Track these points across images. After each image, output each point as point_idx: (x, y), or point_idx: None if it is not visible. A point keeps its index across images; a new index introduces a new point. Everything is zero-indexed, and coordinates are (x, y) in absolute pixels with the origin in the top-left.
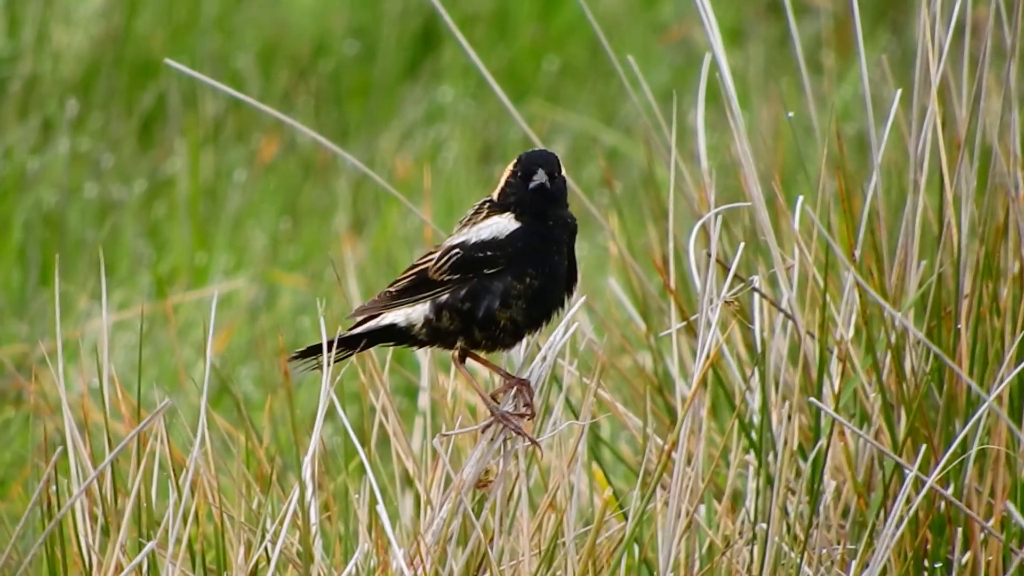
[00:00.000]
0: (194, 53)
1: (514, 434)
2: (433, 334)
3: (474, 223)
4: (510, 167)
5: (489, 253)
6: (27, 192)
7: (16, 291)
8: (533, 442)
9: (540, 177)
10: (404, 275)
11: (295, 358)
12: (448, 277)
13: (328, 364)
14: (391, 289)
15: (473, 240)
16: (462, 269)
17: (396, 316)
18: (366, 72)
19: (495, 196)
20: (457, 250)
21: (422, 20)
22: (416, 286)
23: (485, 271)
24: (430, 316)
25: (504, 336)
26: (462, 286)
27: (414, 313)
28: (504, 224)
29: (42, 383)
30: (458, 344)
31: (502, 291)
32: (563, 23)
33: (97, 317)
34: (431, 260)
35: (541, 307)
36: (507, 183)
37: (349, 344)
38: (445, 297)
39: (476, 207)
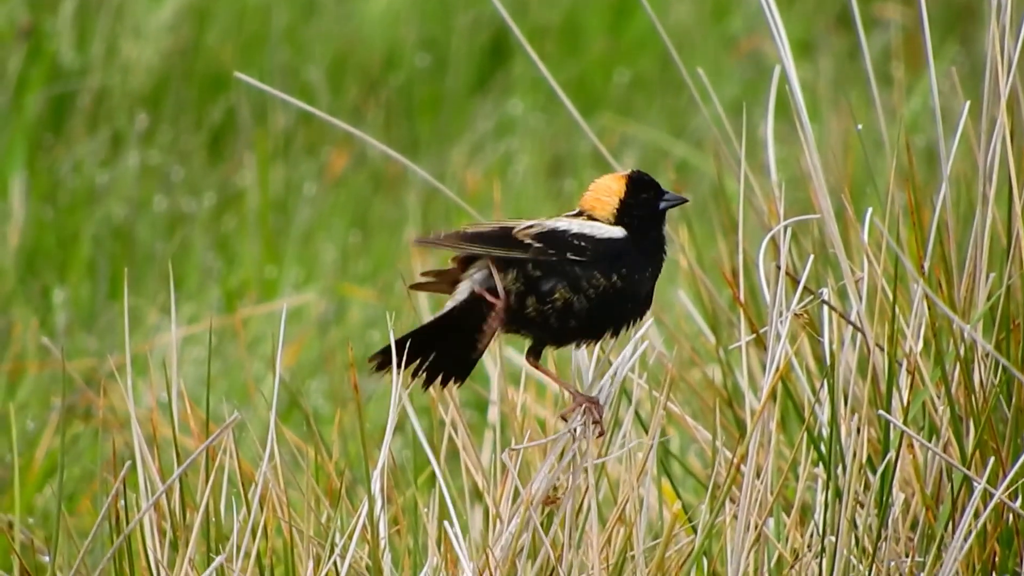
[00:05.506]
0: (264, 66)
1: (592, 423)
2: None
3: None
4: (620, 187)
5: (582, 244)
6: (97, 206)
7: (86, 305)
8: (602, 432)
9: (673, 195)
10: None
11: (375, 361)
12: (530, 242)
13: (399, 368)
14: (466, 230)
15: (565, 227)
16: (548, 241)
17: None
18: (436, 85)
19: (602, 215)
20: (550, 228)
21: (492, 33)
22: (495, 237)
23: (569, 255)
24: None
25: (558, 325)
26: (541, 262)
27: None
28: (609, 229)
29: (111, 397)
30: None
31: (581, 276)
32: (633, 36)
33: (166, 331)
34: (518, 224)
35: (609, 312)
36: (624, 204)
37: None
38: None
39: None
